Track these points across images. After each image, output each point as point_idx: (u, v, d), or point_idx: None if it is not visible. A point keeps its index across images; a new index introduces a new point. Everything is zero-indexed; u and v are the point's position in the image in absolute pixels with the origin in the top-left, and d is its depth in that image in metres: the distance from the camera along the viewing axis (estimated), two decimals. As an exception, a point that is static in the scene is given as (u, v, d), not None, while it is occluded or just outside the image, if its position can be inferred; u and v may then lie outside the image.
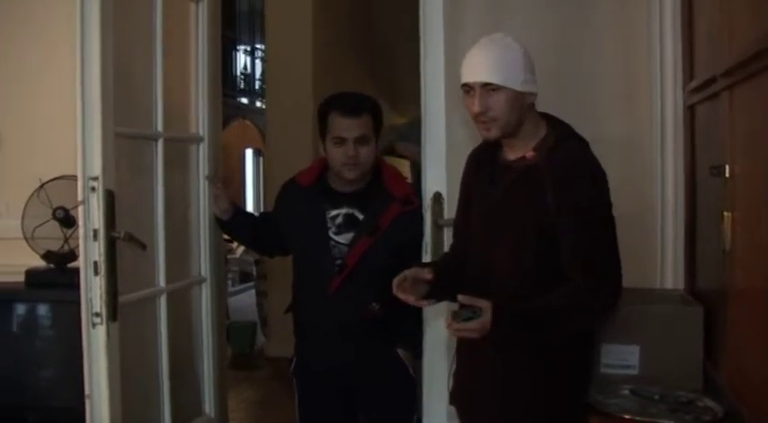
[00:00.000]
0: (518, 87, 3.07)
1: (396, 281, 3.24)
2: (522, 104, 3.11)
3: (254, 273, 10.81)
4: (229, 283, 13.60)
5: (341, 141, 3.93)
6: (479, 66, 3.09)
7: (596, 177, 3.09)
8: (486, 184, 3.29)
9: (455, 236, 3.59)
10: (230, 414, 6.32)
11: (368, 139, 3.96)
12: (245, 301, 12.14)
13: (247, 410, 7.61)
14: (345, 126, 3.93)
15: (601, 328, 3.38)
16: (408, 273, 3.25)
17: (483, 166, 3.34)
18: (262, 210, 14.68)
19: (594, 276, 3.01)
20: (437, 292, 3.29)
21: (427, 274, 3.26)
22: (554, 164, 3.06)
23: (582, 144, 3.20)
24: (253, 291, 11.13)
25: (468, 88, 3.12)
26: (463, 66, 3.16)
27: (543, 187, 3.04)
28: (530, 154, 3.15)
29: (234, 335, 9.47)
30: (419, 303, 3.28)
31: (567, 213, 3.01)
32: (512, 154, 3.22)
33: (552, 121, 3.23)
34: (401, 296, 3.23)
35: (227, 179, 17.02)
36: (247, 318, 10.39)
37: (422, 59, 4.03)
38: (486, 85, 3.07)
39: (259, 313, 10.17)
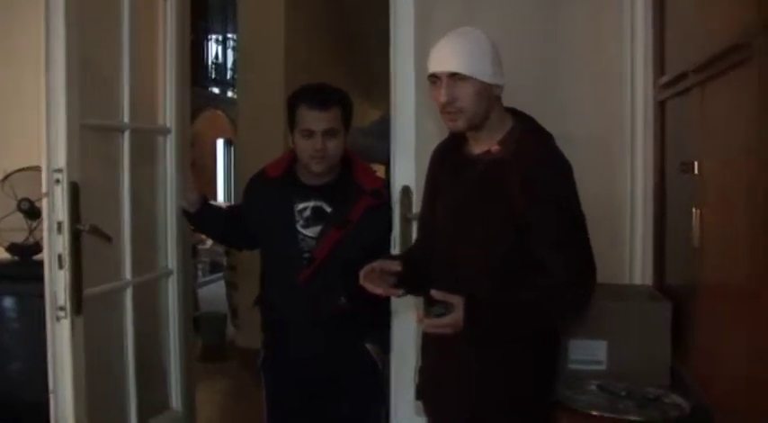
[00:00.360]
0: (486, 79, 3.06)
1: (363, 272, 3.22)
2: (490, 96, 3.10)
3: (225, 263, 10.76)
4: (199, 273, 13.56)
5: (309, 134, 3.91)
6: (447, 56, 3.07)
7: (563, 170, 3.08)
8: (451, 179, 3.27)
9: (420, 229, 3.59)
10: (201, 406, 6.28)
11: (336, 133, 3.93)
12: (215, 291, 12.08)
13: (218, 402, 7.59)
14: (313, 119, 3.90)
15: (576, 321, 3.35)
16: (376, 264, 3.24)
17: (448, 161, 3.32)
18: (233, 200, 14.63)
19: (573, 271, 3.00)
20: (405, 284, 3.26)
21: (395, 266, 3.25)
22: (520, 157, 3.05)
23: (547, 137, 3.18)
24: (223, 281, 11.10)
25: (435, 79, 3.11)
26: (431, 57, 3.14)
27: (510, 181, 3.02)
28: (495, 148, 3.13)
29: (204, 326, 9.41)
30: (390, 292, 3.25)
31: (536, 207, 3.00)
32: (477, 148, 3.20)
33: (518, 115, 3.22)
34: (368, 287, 3.20)
35: (199, 168, 16.87)
36: (217, 308, 10.33)
37: (391, 52, 4.01)
38: (453, 76, 3.05)
39: (229, 304, 10.13)
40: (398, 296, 3.32)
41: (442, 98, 3.07)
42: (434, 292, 2.97)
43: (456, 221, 3.22)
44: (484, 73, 3.06)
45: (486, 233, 3.10)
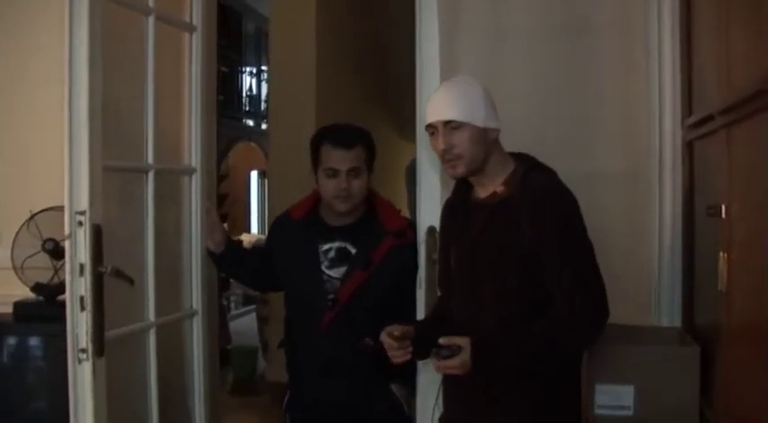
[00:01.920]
0: (479, 123, 3.16)
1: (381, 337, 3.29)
2: (486, 140, 3.19)
3: (258, 296, 10.75)
4: (232, 305, 13.56)
5: (333, 173, 3.91)
6: (440, 106, 3.18)
7: (570, 203, 3.15)
8: (461, 226, 3.32)
9: (440, 285, 3.63)
10: (230, 441, 6.26)
11: (360, 172, 3.93)
12: (247, 324, 12.07)
13: (247, 437, 7.59)
14: (338, 158, 3.91)
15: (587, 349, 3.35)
16: (385, 331, 3.29)
17: (458, 210, 3.37)
18: (266, 232, 14.65)
19: (581, 302, 3.05)
20: (417, 348, 3.29)
21: (395, 331, 3.26)
22: (526, 194, 3.13)
23: (550, 173, 3.25)
24: (255, 314, 11.09)
25: (432, 129, 3.21)
26: (426, 109, 3.26)
27: (519, 219, 3.10)
28: (500, 188, 3.21)
29: (235, 359, 9.42)
30: (395, 355, 3.29)
31: (547, 241, 3.07)
32: (483, 192, 3.27)
33: (518, 156, 3.29)
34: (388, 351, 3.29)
35: (232, 201, 16.83)
36: (249, 341, 10.32)
37: (417, 95, 4.02)
38: (447, 124, 3.15)
39: (260, 338, 10.12)
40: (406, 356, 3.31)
41: (440, 146, 3.17)
42: (441, 339, 3.05)
43: (469, 265, 3.28)
44: (477, 118, 3.16)
45: (498, 273, 3.16)
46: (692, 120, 3.74)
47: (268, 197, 10.78)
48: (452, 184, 3.50)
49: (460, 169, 3.19)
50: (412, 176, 4.43)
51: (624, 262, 3.93)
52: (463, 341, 3.02)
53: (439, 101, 3.21)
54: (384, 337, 3.26)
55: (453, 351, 3.02)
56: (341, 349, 3.91)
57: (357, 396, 3.97)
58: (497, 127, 3.22)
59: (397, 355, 3.26)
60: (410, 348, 3.26)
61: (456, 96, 3.18)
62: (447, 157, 3.18)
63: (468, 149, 3.15)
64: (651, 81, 4.07)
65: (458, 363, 3.01)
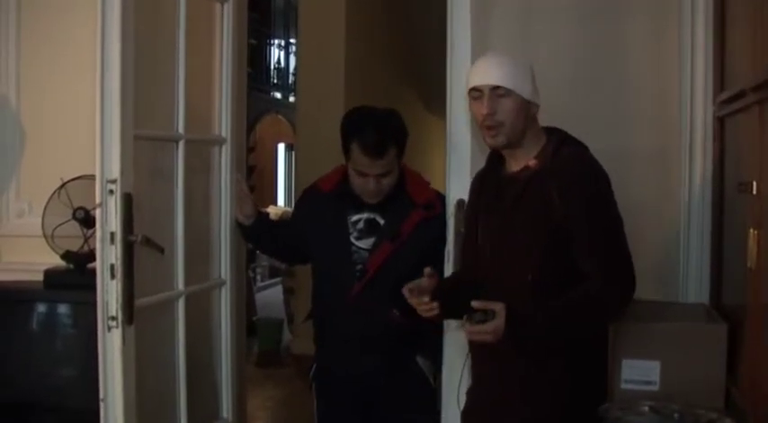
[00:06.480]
0: (526, 95, 3.16)
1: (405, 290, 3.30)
2: (528, 114, 3.19)
3: (284, 269, 10.78)
4: (258, 277, 13.59)
5: (362, 174, 3.92)
6: (490, 70, 3.17)
7: (600, 177, 3.17)
8: (493, 199, 3.32)
9: (463, 256, 3.65)
10: (253, 412, 6.26)
11: (390, 172, 3.94)
12: (273, 296, 12.09)
13: (272, 408, 7.63)
14: (367, 164, 3.89)
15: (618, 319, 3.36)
16: (410, 285, 3.30)
17: (488, 183, 3.38)
18: (293, 204, 14.68)
19: (610, 273, 3.08)
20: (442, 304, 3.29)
21: (425, 282, 3.28)
22: (557, 167, 3.15)
23: (582, 147, 3.26)
24: (281, 286, 11.11)
25: (477, 93, 3.18)
26: (472, 72, 3.24)
27: (549, 191, 3.11)
28: (532, 162, 3.21)
29: (260, 331, 9.46)
30: (425, 308, 3.29)
31: (577, 214, 3.09)
32: (515, 165, 3.27)
33: (550, 130, 3.30)
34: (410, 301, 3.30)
35: (259, 172, 16.81)
36: (275, 314, 10.36)
37: (448, 67, 3.99)
38: (495, 89, 3.13)
39: (286, 310, 10.15)
40: (433, 311, 3.31)
41: (484, 110, 3.14)
42: (475, 302, 3.02)
43: (501, 237, 3.27)
44: (524, 89, 3.15)
45: (529, 245, 3.17)
46: (724, 96, 3.72)
47: (295, 170, 10.79)
48: (483, 158, 3.50)
49: (501, 138, 3.18)
50: None
51: (653, 238, 3.93)
52: (498, 306, 3.00)
53: (489, 65, 3.19)
54: (408, 298, 3.28)
55: (487, 315, 2.99)
56: (368, 321, 3.92)
57: (383, 368, 3.99)
58: (539, 103, 3.23)
59: (423, 310, 3.29)
60: (434, 304, 3.26)
61: (507, 64, 3.17)
62: (488, 123, 3.16)
63: (511, 119, 3.15)
64: (683, 56, 4.06)
65: (491, 328, 2.99)
